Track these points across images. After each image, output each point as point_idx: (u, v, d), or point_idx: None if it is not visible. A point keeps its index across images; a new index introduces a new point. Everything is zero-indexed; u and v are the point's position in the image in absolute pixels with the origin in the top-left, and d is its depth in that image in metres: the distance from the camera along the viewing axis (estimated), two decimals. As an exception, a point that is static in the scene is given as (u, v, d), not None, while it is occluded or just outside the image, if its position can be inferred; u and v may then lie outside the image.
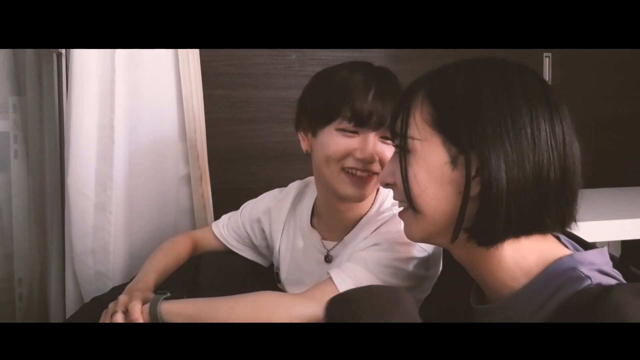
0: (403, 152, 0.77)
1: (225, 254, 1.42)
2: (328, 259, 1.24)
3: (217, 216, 1.80)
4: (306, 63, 2.10)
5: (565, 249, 0.78)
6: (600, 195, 2.00)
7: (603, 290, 0.66)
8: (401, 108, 0.79)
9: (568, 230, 0.79)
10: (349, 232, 1.21)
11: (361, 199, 1.15)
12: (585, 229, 0.82)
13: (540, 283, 0.73)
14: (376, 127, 1.09)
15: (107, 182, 1.56)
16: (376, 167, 1.11)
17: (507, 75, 0.75)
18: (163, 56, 1.67)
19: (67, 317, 1.49)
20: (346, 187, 1.13)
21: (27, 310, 1.82)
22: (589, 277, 0.70)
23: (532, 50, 2.21)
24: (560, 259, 0.73)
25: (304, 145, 1.21)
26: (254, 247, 1.42)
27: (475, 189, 0.73)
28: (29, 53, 1.80)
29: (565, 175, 0.73)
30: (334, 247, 1.24)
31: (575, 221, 0.77)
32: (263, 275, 1.43)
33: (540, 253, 0.75)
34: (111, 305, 1.09)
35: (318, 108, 1.14)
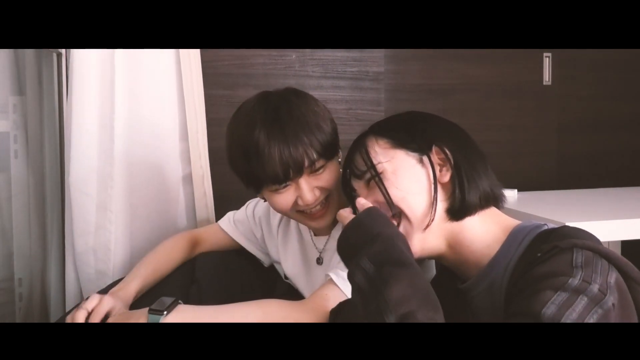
0: (377, 177, 0.93)
1: (222, 253, 1.42)
2: (319, 261, 1.26)
3: (218, 215, 1.80)
4: (306, 63, 2.10)
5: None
6: (600, 195, 1.99)
7: (557, 228, 0.86)
8: (357, 151, 0.97)
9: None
10: (335, 226, 1.23)
11: (328, 225, 1.18)
12: (585, 229, 0.82)
13: (509, 241, 0.89)
14: (299, 174, 1.09)
15: (108, 181, 1.56)
16: (321, 199, 1.13)
17: (414, 111, 1.04)
18: (164, 56, 1.67)
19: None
20: (308, 223, 1.19)
21: (27, 310, 1.82)
22: (546, 224, 0.90)
23: (532, 50, 2.21)
24: (521, 223, 0.92)
25: (258, 195, 1.21)
26: (256, 242, 1.42)
27: (445, 176, 0.92)
28: (29, 53, 1.80)
29: (481, 152, 0.96)
30: (326, 242, 1.25)
31: (502, 194, 0.97)
32: (260, 274, 1.43)
33: (502, 222, 0.93)
34: (82, 303, 1.10)
35: (243, 180, 1.15)
